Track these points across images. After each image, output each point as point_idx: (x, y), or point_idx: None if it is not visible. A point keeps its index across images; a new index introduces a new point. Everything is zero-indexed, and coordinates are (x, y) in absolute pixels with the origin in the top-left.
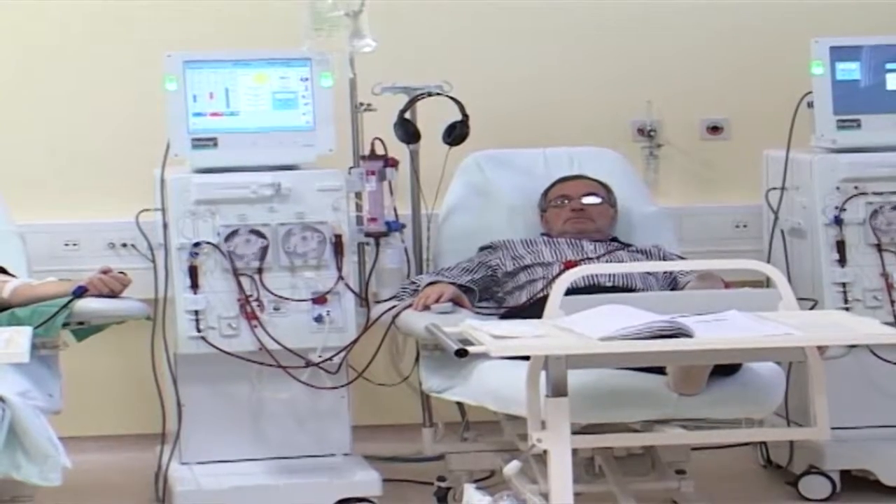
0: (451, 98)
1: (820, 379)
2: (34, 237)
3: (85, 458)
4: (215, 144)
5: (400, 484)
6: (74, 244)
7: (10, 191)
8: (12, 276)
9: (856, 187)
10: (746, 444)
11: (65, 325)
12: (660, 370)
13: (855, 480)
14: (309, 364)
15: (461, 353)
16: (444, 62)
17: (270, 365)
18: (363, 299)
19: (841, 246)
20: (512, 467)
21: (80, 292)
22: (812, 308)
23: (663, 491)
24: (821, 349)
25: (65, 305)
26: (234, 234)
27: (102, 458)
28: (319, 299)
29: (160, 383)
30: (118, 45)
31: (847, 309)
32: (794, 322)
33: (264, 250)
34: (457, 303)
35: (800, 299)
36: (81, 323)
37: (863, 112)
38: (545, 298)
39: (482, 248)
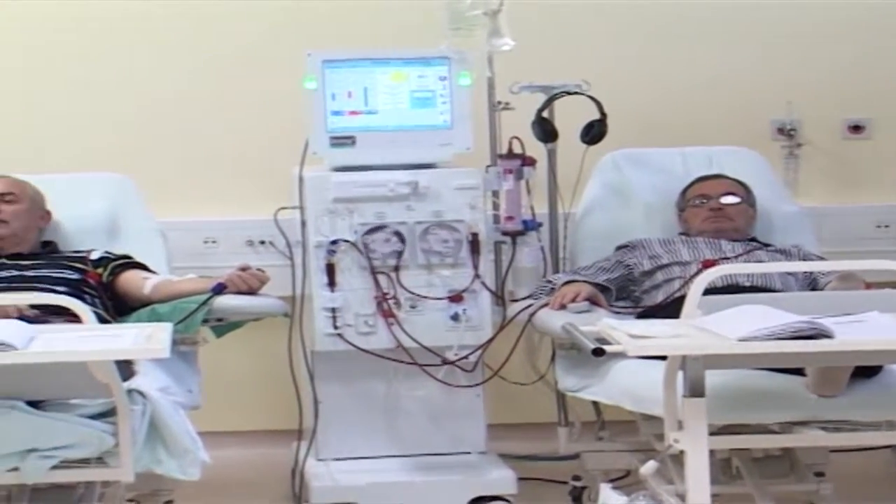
0: (590, 97)
1: None
2: (175, 234)
3: (223, 453)
4: (353, 143)
5: (535, 483)
6: (214, 241)
7: (152, 189)
8: (153, 272)
9: None
10: (886, 447)
11: (204, 321)
12: (799, 371)
13: None
14: (445, 362)
15: (598, 353)
16: (583, 61)
17: (406, 363)
18: (499, 298)
19: None
20: (648, 467)
21: (220, 289)
22: None
23: (801, 493)
24: None
25: (204, 302)
26: (371, 231)
27: (240, 453)
28: (456, 297)
29: (297, 380)
30: (257, 43)
31: None
32: None
33: (401, 248)
34: (593, 302)
35: None
36: (220, 319)
37: None
38: (682, 298)
39: (619, 247)
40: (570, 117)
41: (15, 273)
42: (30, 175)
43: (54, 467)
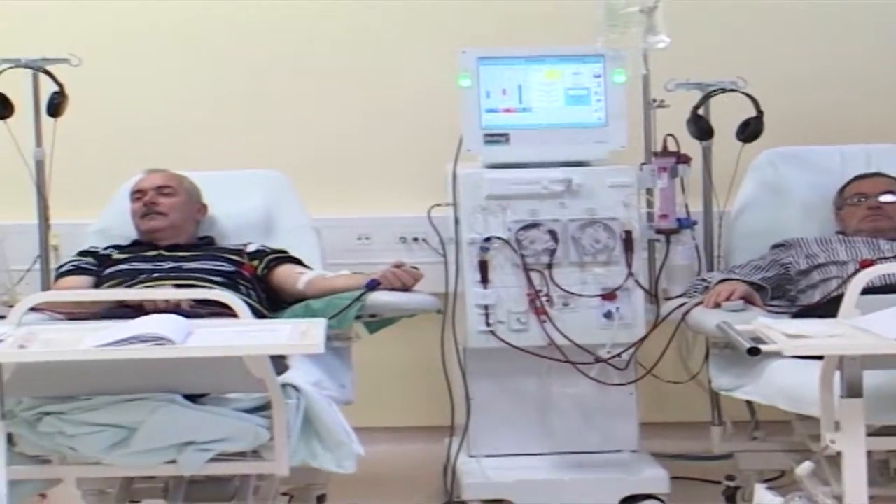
0: (746, 94)
1: None
2: (329, 231)
3: (375, 448)
4: (507, 140)
5: (688, 482)
6: (367, 238)
7: (306, 186)
8: (308, 267)
9: None
10: None
11: (357, 317)
12: None
13: None
14: (598, 360)
15: (753, 352)
16: (739, 58)
17: (559, 360)
18: (653, 296)
19: None
20: (804, 468)
21: (373, 285)
22: None
23: None
24: None
25: (358, 298)
26: (524, 229)
27: (392, 448)
28: (609, 295)
29: (449, 377)
30: (412, 41)
31: None
32: None
33: (554, 246)
34: (748, 301)
35: None
36: (373, 316)
37: None
38: (839, 297)
39: (775, 246)
40: (726, 115)
41: (172, 264)
42: (189, 172)
43: (211, 460)
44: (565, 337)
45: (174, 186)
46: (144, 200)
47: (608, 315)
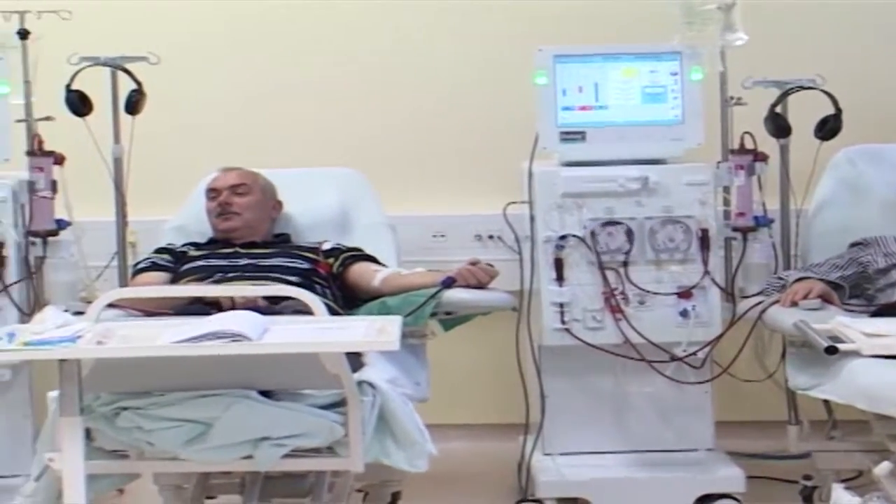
0: (825, 92)
1: None
2: (404, 228)
3: (449, 445)
4: (583, 138)
5: (764, 481)
6: (442, 235)
7: (383, 184)
8: (383, 265)
9: None
10: None
11: (433, 314)
12: None
13: None
14: (673, 358)
15: (831, 351)
16: (817, 55)
17: (634, 358)
18: (729, 294)
19: None
20: (882, 468)
21: (449, 283)
22: None
23: None
24: None
25: (433, 295)
26: (600, 227)
27: (466, 446)
28: (685, 293)
29: (524, 374)
30: (489, 38)
31: None
32: None
33: (630, 244)
34: (825, 300)
35: None
36: (449, 313)
37: None
38: None
39: (853, 245)
40: (804, 112)
41: (248, 262)
42: (265, 169)
43: (286, 456)
44: (641, 335)
45: (249, 185)
46: (219, 200)
47: (684, 313)
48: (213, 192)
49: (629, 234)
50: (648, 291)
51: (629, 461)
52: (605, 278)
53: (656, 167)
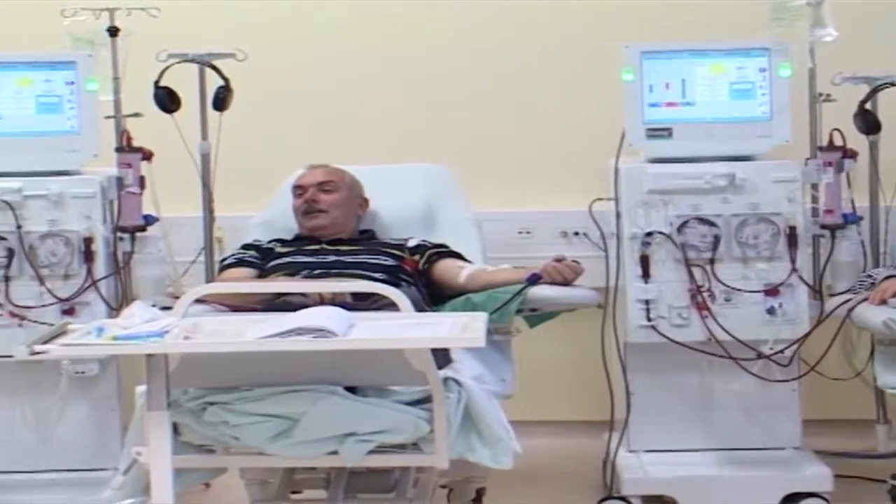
0: None
1: None
2: (490, 225)
3: (533, 442)
4: (670, 134)
5: (851, 480)
6: (528, 232)
7: (469, 180)
8: (468, 261)
9: None
10: None
11: (518, 311)
12: None
13: None
14: (760, 356)
15: None
16: None
17: (720, 356)
18: (817, 292)
19: None
20: None
21: (534, 280)
22: None
23: None
24: None
25: (519, 292)
26: (686, 224)
27: (550, 443)
28: (772, 291)
29: (609, 371)
30: (575, 35)
31: None
32: None
33: (716, 241)
34: None
35: None
36: (534, 310)
37: None
38: None
39: None
40: (894, 109)
41: (334, 258)
42: (351, 166)
43: (371, 452)
44: (727, 332)
45: (335, 182)
46: (305, 198)
47: (771, 311)
48: (299, 190)
49: (715, 230)
50: (735, 288)
51: (715, 459)
52: (691, 275)
53: (744, 164)
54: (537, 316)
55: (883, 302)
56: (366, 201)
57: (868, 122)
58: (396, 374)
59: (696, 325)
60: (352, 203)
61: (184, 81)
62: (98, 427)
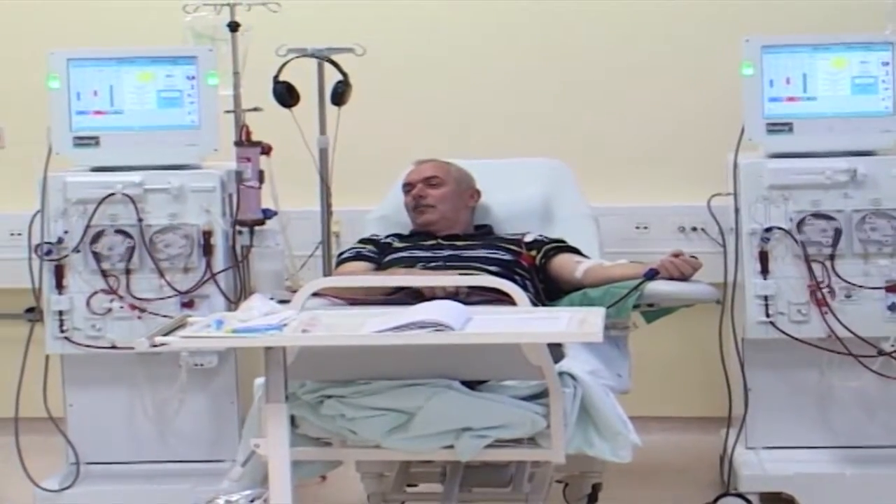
0: None
1: None
2: (607, 220)
3: (649, 438)
4: (790, 129)
5: None
6: (645, 227)
7: (587, 175)
8: (585, 256)
9: None
10: None
11: (635, 306)
12: None
13: None
14: (881, 353)
15: None
16: None
17: (840, 353)
18: None
19: None
20: None
21: (652, 275)
22: None
23: None
24: None
25: (636, 287)
26: (806, 219)
27: (666, 438)
28: (893, 287)
29: (727, 367)
30: (693, 28)
31: None
32: None
33: (837, 237)
34: None
35: None
36: (651, 305)
37: None
38: None
39: None
40: None
41: (450, 253)
42: (467, 160)
43: (487, 446)
44: (847, 329)
45: (441, 176)
46: (413, 193)
47: (892, 307)
48: (408, 186)
49: (836, 226)
50: (855, 285)
51: (834, 456)
52: (810, 271)
53: (865, 159)
54: (654, 311)
55: None
56: (477, 192)
57: None
58: (513, 369)
59: (815, 322)
60: (461, 196)
61: (303, 76)
62: (216, 419)
